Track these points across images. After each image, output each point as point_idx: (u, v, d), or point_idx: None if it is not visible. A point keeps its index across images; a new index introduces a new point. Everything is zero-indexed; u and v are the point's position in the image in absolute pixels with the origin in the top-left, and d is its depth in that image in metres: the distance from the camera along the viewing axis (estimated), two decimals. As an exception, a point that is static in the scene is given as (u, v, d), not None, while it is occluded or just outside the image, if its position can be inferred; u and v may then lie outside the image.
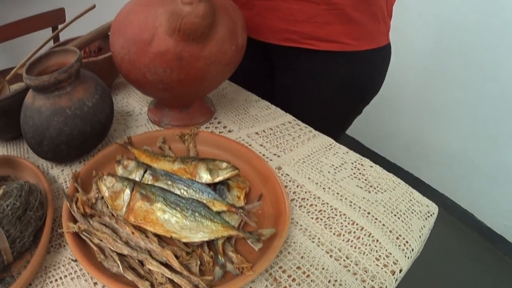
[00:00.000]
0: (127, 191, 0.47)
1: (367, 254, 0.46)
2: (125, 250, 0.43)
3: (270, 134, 0.68)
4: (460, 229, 1.71)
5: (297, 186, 0.56)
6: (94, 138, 0.58)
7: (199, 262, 0.42)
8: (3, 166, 0.57)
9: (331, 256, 0.46)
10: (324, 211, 0.52)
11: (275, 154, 0.63)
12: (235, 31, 0.60)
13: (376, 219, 0.51)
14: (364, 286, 0.43)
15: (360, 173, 0.59)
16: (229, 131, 0.68)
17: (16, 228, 0.44)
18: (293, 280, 0.43)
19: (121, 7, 0.61)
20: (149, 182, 0.50)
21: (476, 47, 1.44)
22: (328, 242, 0.48)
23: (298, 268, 0.45)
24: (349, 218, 0.51)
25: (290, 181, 0.57)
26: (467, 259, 1.58)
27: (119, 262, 0.41)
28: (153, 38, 0.54)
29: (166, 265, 0.42)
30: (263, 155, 0.62)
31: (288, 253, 0.46)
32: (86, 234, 0.45)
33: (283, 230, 0.45)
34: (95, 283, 0.43)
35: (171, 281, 0.40)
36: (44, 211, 0.48)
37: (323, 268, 0.45)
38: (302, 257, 0.46)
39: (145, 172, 0.52)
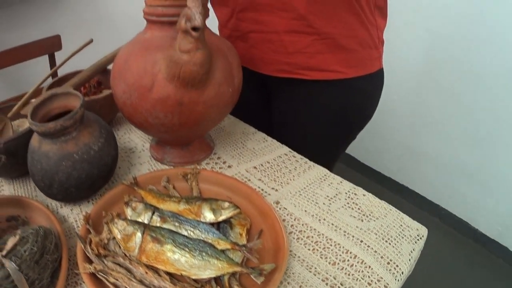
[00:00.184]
0: (139, 234, 0.50)
1: (360, 280, 0.50)
2: (140, 289, 0.46)
3: (268, 167, 0.70)
4: (456, 237, 1.74)
5: (295, 219, 0.59)
6: (101, 180, 0.60)
7: (208, 297, 0.46)
8: (14, 206, 0.59)
9: (327, 284, 0.49)
10: (320, 241, 0.55)
11: (273, 188, 0.66)
12: (231, 73, 0.61)
13: (368, 246, 0.54)
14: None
15: (353, 202, 0.62)
16: (229, 166, 0.71)
17: (34, 271, 0.46)
18: (294, 309, 0.47)
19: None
20: (158, 224, 0.53)
21: (466, 59, 1.47)
22: (324, 271, 0.51)
23: (298, 297, 0.48)
24: (343, 247, 0.54)
25: (288, 214, 0.60)
26: (463, 265, 1.62)
27: (135, 301, 0.45)
28: (154, 84, 0.55)
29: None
30: (262, 189, 0.65)
31: (288, 283, 0.50)
32: (102, 274, 0.47)
33: (282, 263, 0.48)
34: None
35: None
36: (59, 253, 0.50)
37: (320, 296, 0.48)
38: (300, 287, 0.49)
39: (153, 214, 0.54)
